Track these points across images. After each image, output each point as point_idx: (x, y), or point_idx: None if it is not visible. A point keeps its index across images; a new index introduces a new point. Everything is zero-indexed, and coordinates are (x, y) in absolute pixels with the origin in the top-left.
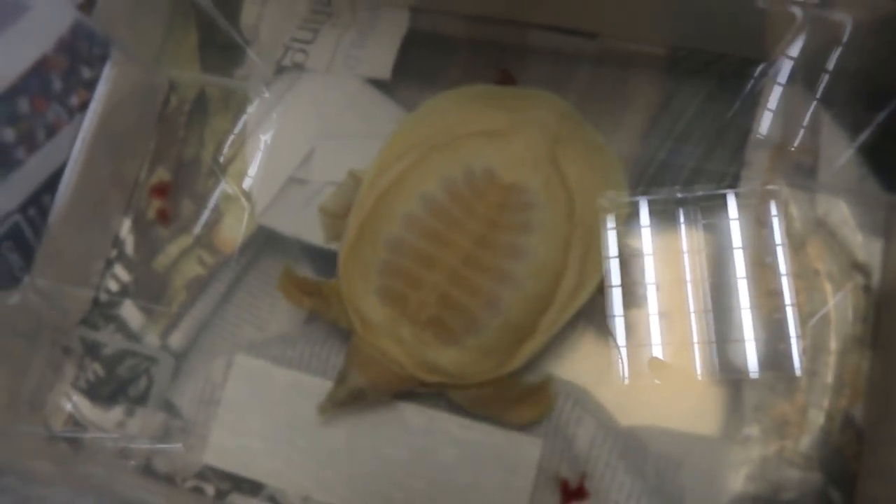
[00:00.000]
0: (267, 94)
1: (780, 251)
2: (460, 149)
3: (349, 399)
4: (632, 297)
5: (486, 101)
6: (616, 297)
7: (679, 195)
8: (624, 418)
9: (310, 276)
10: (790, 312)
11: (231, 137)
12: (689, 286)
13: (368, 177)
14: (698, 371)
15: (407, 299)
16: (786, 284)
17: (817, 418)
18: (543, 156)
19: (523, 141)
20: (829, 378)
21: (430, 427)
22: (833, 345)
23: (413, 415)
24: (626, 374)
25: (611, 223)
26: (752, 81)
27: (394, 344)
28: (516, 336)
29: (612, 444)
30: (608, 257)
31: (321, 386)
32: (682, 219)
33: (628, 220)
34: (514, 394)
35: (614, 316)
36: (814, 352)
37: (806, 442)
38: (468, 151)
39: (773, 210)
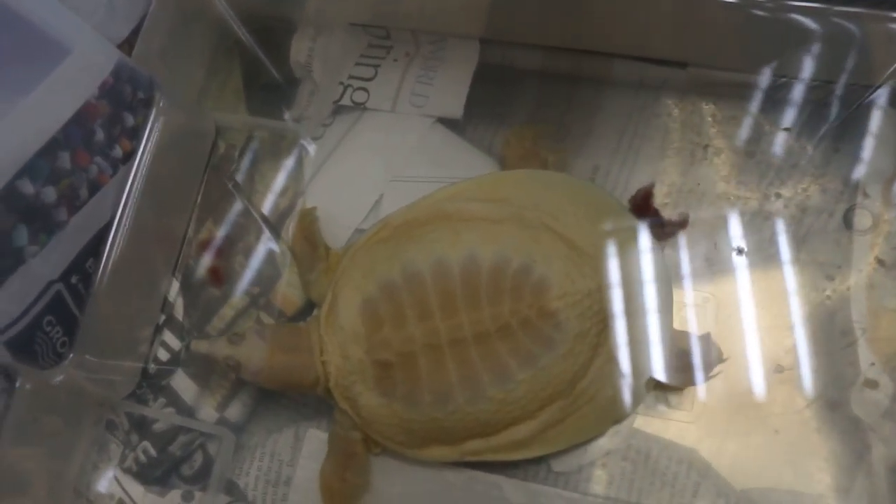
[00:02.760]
0: (323, 137)
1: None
2: (537, 240)
3: (221, 361)
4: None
5: (599, 213)
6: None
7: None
8: (738, 482)
9: None
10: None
11: (286, 185)
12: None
13: (442, 192)
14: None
15: (381, 328)
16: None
17: None
18: (599, 312)
19: (594, 284)
20: None
21: (531, 503)
22: None
23: (512, 490)
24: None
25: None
26: (858, 108)
27: (338, 353)
28: (438, 436)
29: None
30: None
31: (407, 459)
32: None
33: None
34: (353, 471)
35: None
36: None
37: None
38: (541, 249)
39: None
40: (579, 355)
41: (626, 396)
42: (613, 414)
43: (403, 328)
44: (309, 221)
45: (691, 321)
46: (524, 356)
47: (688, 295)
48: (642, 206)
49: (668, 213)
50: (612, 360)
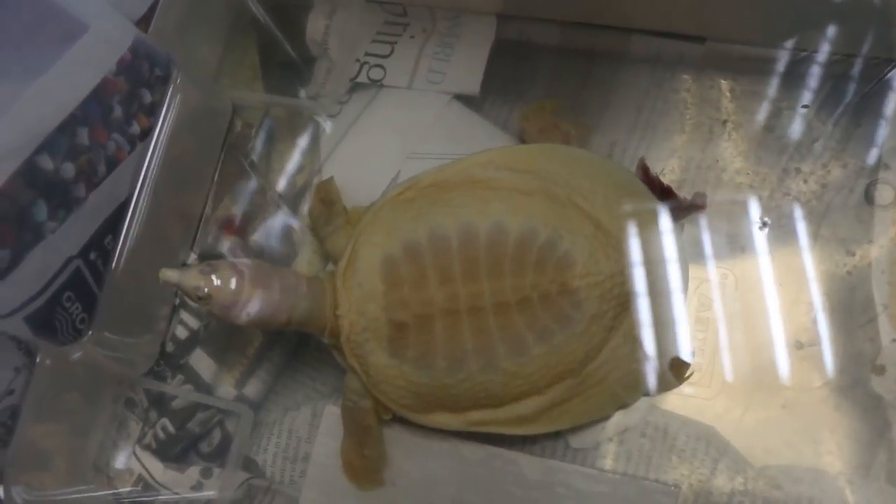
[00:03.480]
0: (340, 115)
1: None
2: (565, 217)
3: (190, 293)
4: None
5: (626, 196)
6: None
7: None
8: (757, 459)
9: None
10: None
11: (302, 163)
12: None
13: (473, 159)
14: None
15: (400, 288)
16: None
17: None
18: (620, 296)
19: (617, 267)
20: None
21: (548, 479)
22: None
23: (529, 466)
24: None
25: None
26: (879, 83)
27: (354, 309)
28: (445, 402)
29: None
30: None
31: (425, 436)
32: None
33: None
34: (370, 446)
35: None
36: None
37: None
38: (568, 226)
39: None
40: (594, 336)
41: (635, 382)
42: (620, 398)
43: (423, 290)
44: (327, 185)
45: (712, 297)
46: (540, 331)
47: (707, 271)
48: (646, 183)
49: (686, 192)
50: (624, 344)
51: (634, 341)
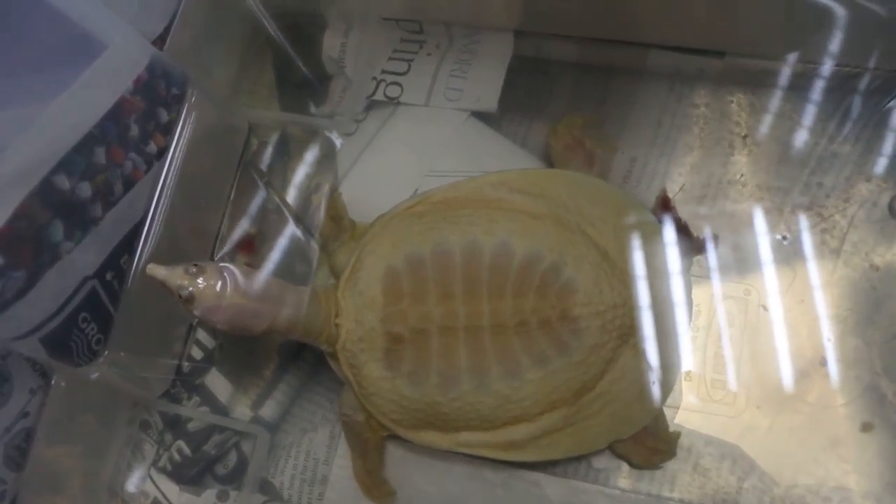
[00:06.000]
0: (357, 133)
1: None
2: (572, 243)
3: (174, 291)
4: None
5: (635, 228)
6: None
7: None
8: (784, 478)
9: None
10: None
11: (319, 181)
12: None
13: (487, 178)
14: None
15: (400, 300)
16: None
17: None
18: (620, 328)
19: (620, 299)
20: None
21: (571, 500)
22: None
23: (552, 487)
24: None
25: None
26: None
27: (352, 317)
28: (434, 421)
29: None
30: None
31: (446, 458)
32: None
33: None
34: (371, 461)
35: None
36: None
37: None
38: (574, 253)
39: None
40: (591, 366)
41: (631, 418)
42: (614, 433)
43: (423, 304)
44: (335, 201)
45: (734, 314)
46: (537, 356)
47: (730, 287)
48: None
49: (706, 209)
50: (622, 378)
51: (633, 376)
